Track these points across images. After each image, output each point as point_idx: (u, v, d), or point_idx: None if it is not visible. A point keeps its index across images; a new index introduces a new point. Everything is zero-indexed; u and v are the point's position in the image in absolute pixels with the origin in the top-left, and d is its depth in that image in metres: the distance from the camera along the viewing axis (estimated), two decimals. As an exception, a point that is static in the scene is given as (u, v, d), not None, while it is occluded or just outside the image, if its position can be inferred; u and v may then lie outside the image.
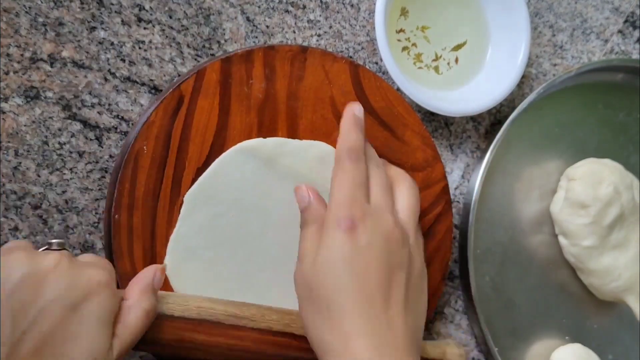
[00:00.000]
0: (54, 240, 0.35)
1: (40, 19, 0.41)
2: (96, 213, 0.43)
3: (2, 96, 0.40)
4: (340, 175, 0.38)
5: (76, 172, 0.42)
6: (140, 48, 0.44)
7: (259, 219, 0.43)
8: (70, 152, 0.42)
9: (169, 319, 0.38)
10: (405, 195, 0.40)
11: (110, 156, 0.43)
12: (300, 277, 0.36)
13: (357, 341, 0.33)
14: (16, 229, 0.41)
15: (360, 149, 0.39)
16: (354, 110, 0.41)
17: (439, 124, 0.52)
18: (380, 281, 0.35)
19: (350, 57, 0.49)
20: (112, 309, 0.34)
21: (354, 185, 0.37)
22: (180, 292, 0.41)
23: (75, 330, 0.31)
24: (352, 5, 0.49)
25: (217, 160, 0.42)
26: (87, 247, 0.42)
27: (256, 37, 0.47)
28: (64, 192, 0.42)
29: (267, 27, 0.47)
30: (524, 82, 0.55)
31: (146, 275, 0.37)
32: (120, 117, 0.43)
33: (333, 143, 0.45)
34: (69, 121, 0.42)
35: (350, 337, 0.33)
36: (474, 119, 0.53)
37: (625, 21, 0.58)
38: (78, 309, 0.32)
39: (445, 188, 0.49)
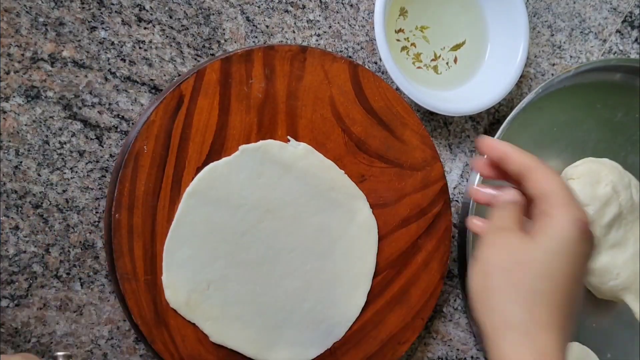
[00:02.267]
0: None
1: (41, 19, 0.41)
2: (96, 212, 0.43)
3: (3, 96, 0.41)
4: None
5: (77, 172, 0.42)
6: (140, 48, 0.44)
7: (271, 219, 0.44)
8: (71, 152, 0.42)
9: None
10: None
11: (111, 155, 0.43)
12: (507, 255, 0.36)
13: (545, 333, 0.34)
14: (17, 227, 0.41)
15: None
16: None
17: (438, 124, 0.52)
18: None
19: (350, 57, 0.49)
20: None
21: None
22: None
23: None
24: (351, 5, 0.49)
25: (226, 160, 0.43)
26: (87, 246, 0.42)
27: (256, 37, 0.47)
28: (64, 191, 0.42)
29: (267, 27, 0.47)
30: (522, 82, 0.55)
31: None
32: (120, 116, 0.43)
33: (332, 143, 0.46)
34: (70, 121, 0.42)
35: (540, 324, 0.34)
36: (473, 119, 0.53)
37: (624, 21, 0.58)
38: None
39: (444, 187, 0.49)
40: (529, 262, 0.35)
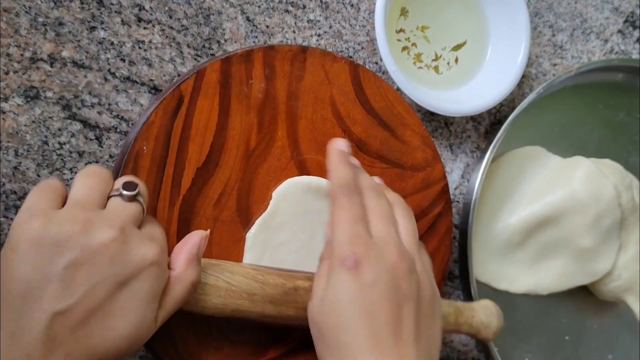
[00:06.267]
0: (124, 192, 0.34)
1: (40, 19, 0.41)
2: (96, 213, 0.43)
3: (2, 96, 0.40)
4: (337, 212, 0.36)
5: (76, 172, 0.42)
6: (140, 48, 0.44)
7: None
8: (70, 152, 0.42)
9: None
10: (403, 220, 0.39)
11: (110, 156, 0.43)
12: (310, 317, 0.36)
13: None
14: (16, 228, 0.41)
15: (351, 182, 0.38)
16: (337, 146, 0.40)
17: (438, 124, 0.52)
18: (388, 317, 0.34)
19: (350, 57, 0.49)
20: (160, 286, 0.34)
21: (352, 221, 0.36)
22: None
23: (123, 305, 0.32)
24: (352, 5, 0.49)
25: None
26: (87, 247, 0.42)
27: (256, 37, 0.47)
28: (63, 192, 0.42)
29: (267, 27, 0.47)
30: (523, 82, 0.55)
31: (192, 244, 0.36)
32: (120, 117, 0.43)
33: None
34: (69, 121, 0.42)
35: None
36: (474, 119, 0.53)
37: (625, 21, 0.58)
38: (128, 285, 0.32)
39: (445, 188, 0.49)
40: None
